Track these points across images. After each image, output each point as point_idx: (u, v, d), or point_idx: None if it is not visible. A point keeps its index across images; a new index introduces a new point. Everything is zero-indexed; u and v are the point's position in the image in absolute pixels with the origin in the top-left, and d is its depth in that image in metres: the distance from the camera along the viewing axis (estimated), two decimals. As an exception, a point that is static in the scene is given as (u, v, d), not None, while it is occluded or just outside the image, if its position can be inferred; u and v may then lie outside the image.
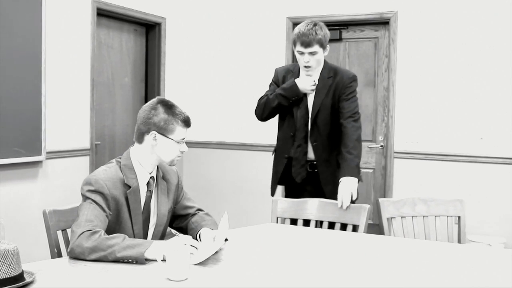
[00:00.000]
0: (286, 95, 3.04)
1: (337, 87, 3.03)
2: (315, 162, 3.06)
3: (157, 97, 2.21)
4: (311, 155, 3.07)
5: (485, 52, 4.45)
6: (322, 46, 2.95)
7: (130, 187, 2.13)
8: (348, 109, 3.00)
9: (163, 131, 2.13)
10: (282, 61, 5.13)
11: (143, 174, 2.19)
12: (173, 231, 2.31)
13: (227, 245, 2.18)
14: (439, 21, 4.58)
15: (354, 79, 3.08)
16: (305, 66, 2.99)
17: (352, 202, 2.78)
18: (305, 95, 3.06)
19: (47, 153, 4.04)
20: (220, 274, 1.86)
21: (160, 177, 2.27)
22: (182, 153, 2.21)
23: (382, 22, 4.85)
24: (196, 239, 2.22)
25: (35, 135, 3.91)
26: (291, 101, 3.06)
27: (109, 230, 2.08)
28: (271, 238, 2.46)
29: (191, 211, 2.38)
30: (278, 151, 3.22)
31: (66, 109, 4.26)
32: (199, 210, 2.41)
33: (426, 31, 4.63)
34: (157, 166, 2.26)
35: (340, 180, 2.83)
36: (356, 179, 2.84)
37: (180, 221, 2.38)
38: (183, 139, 2.18)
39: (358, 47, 4.97)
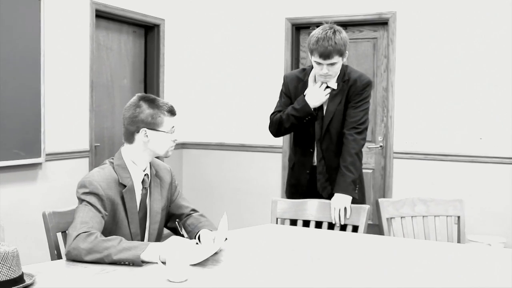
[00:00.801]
0: (299, 116, 2.85)
1: (349, 92, 2.85)
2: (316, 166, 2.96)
3: (136, 95, 2.22)
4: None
5: (484, 52, 4.45)
6: (342, 55, 2.74)
7: (125, 186, 2.13)
8: (354, 118, 2.84)
9: (153, 125, 2.15)
10: (281, 62, 5.13)
11: (137, 172, 2.19)
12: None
13: (226, 246, 2.18)
14: (438, 21, 4.59)
15: (368, 84, 2.87)
16: (323, 76, 2.79)
17: (355, 201, 2.78)
18: (320, 106, 2.88)
19: (47, 155, 4.04)
20: (220, 275, 1.86)
21: (154, 174, 2.27)
22: (175, 142, 2.22)
23: (381, 23, 4.85)
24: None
25: (35, 137, 3.91)
26: (305, 120, 2.87)
27: (106, 231, 2.08)
28: (270, 239, 2.46)
29: (185, 211, 2.37)
30: (298, 164, 3.02)
31: (66, 111, 4.26)
32: (194, 210, 2.39)
33: (425, 31, 4.63)
34: (150, 164, 2.26)
35: (334, 194, 2.77)
36: (349, 197, 2.75)
37: (174, 221, 2.36)
38: (173, 127, 2.20)
39: (357, 48, 4.98)
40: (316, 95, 2.84)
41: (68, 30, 4.26)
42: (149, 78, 5.25)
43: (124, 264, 1.89)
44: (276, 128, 2.98)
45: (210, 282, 1.79)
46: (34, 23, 3.87)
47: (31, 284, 1.68)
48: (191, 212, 2.38)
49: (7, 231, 3.65)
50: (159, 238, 2.31)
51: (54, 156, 4.14)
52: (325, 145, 2.90)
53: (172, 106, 2.21)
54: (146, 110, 2.15)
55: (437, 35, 4.59)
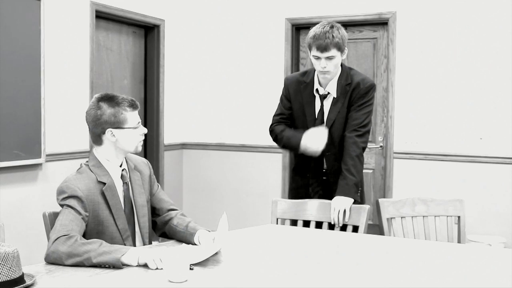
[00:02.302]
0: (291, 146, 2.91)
1: (352, 96, 2.83)
2: (324, 171, 2.93)
3: (94, 96, 2.20)
4: (324, 166, 2.94)
5: (484, 52, 4.45)
6: (340, 49, 2.72)
7: (104, 184, 2.13)
8: (356, 120, 2.82)
9: (117, 124, 2.14)
10: (281, 63, 5.13)
11: (114, 169, 2.19)
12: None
13: (227, 246, 2.18)
14: (438, 21, 4.59)
15: (371, 87, 2.85)
16: (322, 72, 2.78)
17: (356, 202, 2.78)
18: (321, 106, 2.87)
19: (47, 155, 4.03)
20: (220, 275, 1.86)
21: (132, 168, 2.27)
22: (142, 136, 2.21)
23: (381, 23, 4.85)
24: (194, 243, 2.21)
25: (35, 137, 3.91)
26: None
27: (93, 231, 2.09)
28: (271, 239, 2.46)
29: (165, 205, 2.36)
30: (297, 168, 3.03)
31: (66, 111, 4.26)
32: (173, 206, 2.38)
33: (425, 31, 4.63)
34: (127, 159, 2.27)
35: (334, 197, 2.76)
36: (351, 200, 2.74)
37: (153, 215, 2.36)
38: (139, 122, 2.19)
39: (357, 48, 4.98)
40: (314, 145, 2.79)
41: (68, 30, 4.26)
42: (149, 79, 5.25)
43: (105, 267, 1.88)
44: (277, 143, 3.02)
45: (210, 282, 1.79)
46: (34, 23, 3.87)
47: (31, 285, 1.68)
48: (172, 207, 2.37)
49: (7, 232, 3.64)
50: (151, 232, 2.30)
51: (54, 157, 4.14)
52: (326, 149, 2.87)
53: (132, 100, 2.18)
54: (107, 110, 2.13)
55: (437, 35, 4.59)
